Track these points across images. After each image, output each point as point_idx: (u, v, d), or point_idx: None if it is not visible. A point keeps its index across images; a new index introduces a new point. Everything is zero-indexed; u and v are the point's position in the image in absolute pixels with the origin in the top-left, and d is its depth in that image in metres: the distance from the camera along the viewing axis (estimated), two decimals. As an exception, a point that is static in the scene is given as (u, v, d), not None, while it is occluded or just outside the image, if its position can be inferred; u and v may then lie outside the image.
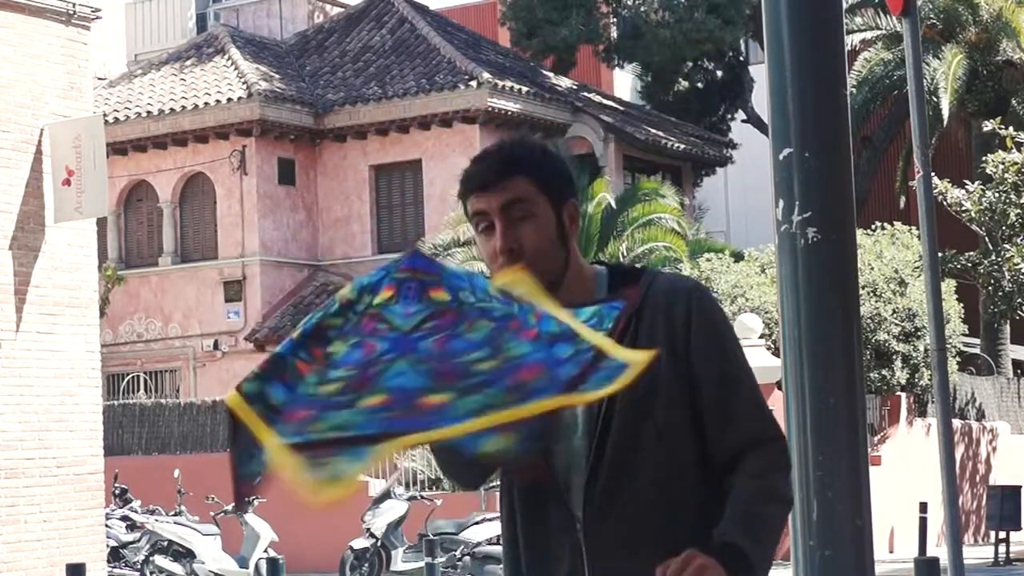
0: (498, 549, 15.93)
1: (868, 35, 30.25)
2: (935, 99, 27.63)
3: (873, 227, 25.35)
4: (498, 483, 3.27)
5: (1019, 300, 25.42)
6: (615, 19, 36.09)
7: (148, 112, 29.93)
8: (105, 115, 25.21)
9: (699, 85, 37.70)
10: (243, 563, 17.97)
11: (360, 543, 18.75)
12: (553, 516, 3.08)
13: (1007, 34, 29.27)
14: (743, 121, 37.68)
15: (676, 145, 33.00)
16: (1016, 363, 32.31)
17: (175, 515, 19.01)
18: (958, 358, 26.31)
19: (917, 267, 23.53)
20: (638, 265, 3.32)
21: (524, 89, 30.21)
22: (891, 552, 22.44)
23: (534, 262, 3.01)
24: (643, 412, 3.02)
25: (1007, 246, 25.10)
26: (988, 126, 25.40)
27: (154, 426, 24.84)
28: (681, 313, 3.03)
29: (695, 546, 2.93)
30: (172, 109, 29.74)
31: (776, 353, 20.72)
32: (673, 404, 3.02)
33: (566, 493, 3.06)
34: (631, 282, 3.09)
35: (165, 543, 18.16)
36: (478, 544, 17.48)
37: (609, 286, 3.11)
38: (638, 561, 3.00)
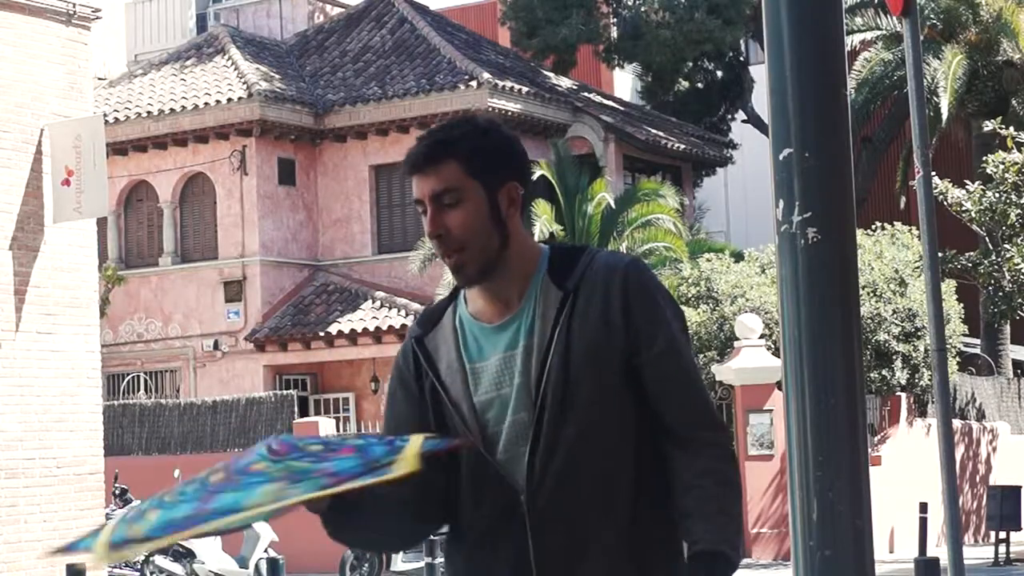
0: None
1: (868, 35, 30.24)
2: (935, 99, 27.62)
3: (873, 227, 25.35)
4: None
5: (1019, 300, 25.41)
6: (615, 19, 36.10)
7: (148, 112, 29.93)
8: (105, 115, 25.22)
9: (699, 85, 37.71)
10: (243, 563, 17.98)
11: (360, 543, 18.73)
12: (495, 493, 3.15)
13: (1007, 34, 29.26)
14: (743, 121, 37.70)
15: (676, 145, 33.00)
16: (1016, 363, 32.31)
17: (175, 515, 18.99)
18: (958, 358, 26.31)
19: (917, 267, 23.53)
20: (580, 244, 3.43)
21: (524, 89, 30.21)
22: (891, 552, 22.45)
23: (463, 246, 3.11)
24: (578, 383, 3.10)
25: (1007, 246, 25.09)
26: (988, 126, 25.39)
27: (154, 426, 24.84)
28: (617, 284, 3.13)
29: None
30: (172, 109, 29.74)
31: (776, 353, 20.72)
32: (608, 375, 3.11)
33: (509, 467, 3.13)
34: (571, 262, 3.18)
35: (165, 543, 18.15)
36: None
37: (550, 265, 3.18)
38: (580, 532, 3.11)
